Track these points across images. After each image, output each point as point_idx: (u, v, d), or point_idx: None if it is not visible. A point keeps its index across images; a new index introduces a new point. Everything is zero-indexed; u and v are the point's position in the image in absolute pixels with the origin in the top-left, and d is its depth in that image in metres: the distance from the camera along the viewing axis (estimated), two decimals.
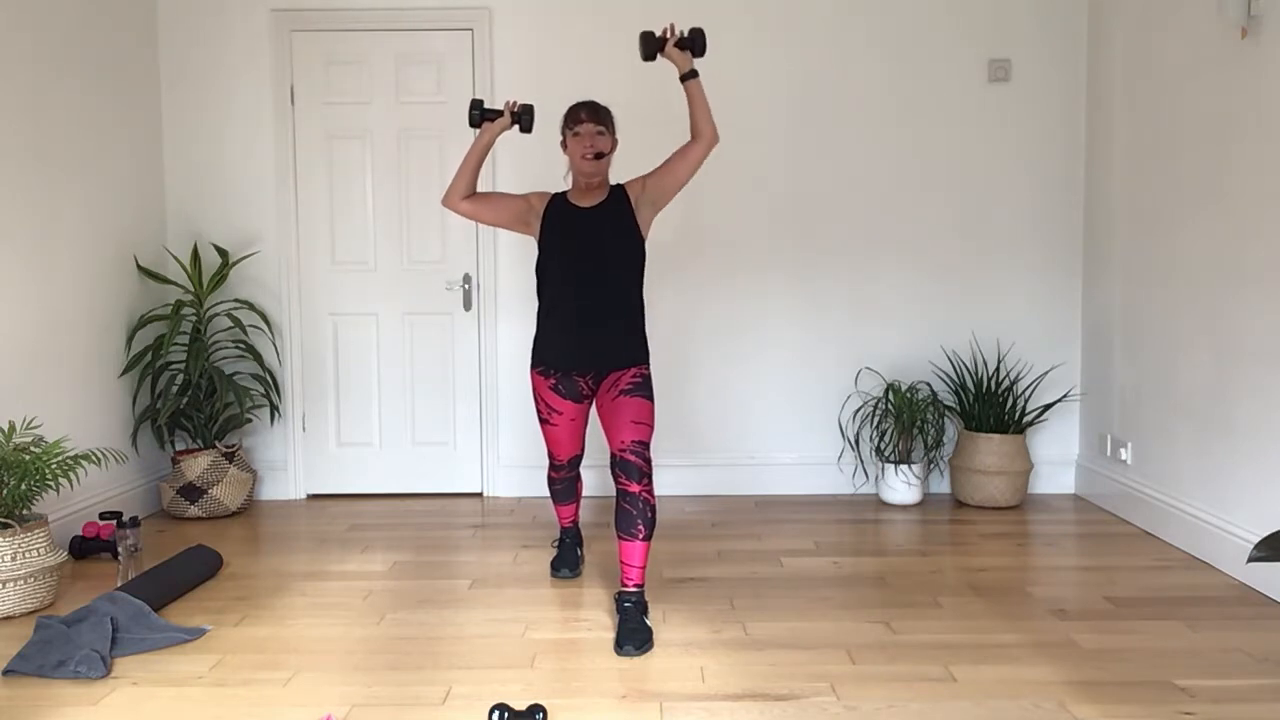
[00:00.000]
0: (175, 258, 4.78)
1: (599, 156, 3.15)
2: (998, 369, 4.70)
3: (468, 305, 4.86)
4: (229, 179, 4.81)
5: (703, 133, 3.15)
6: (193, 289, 4.65)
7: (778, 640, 2.98)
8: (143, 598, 3.14)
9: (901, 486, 4.63)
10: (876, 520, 4.41)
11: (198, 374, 4.52)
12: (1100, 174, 4.61)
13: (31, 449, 3.32)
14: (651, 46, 3.13)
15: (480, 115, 3.21)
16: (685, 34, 3.14)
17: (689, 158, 3.18)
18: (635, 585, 3.03)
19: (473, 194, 3.23)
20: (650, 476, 3.07)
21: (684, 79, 3.13)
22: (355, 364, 4.90)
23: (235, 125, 4.79)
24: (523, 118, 3.20)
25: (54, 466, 3.29)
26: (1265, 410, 3.38)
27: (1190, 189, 3.83)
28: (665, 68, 4.70)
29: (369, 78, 4.78)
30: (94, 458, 3.45)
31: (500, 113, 3.22)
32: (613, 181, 3.32)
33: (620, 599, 3.02)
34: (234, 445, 4.61)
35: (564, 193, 3.29)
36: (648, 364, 3.24)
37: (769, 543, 4.05)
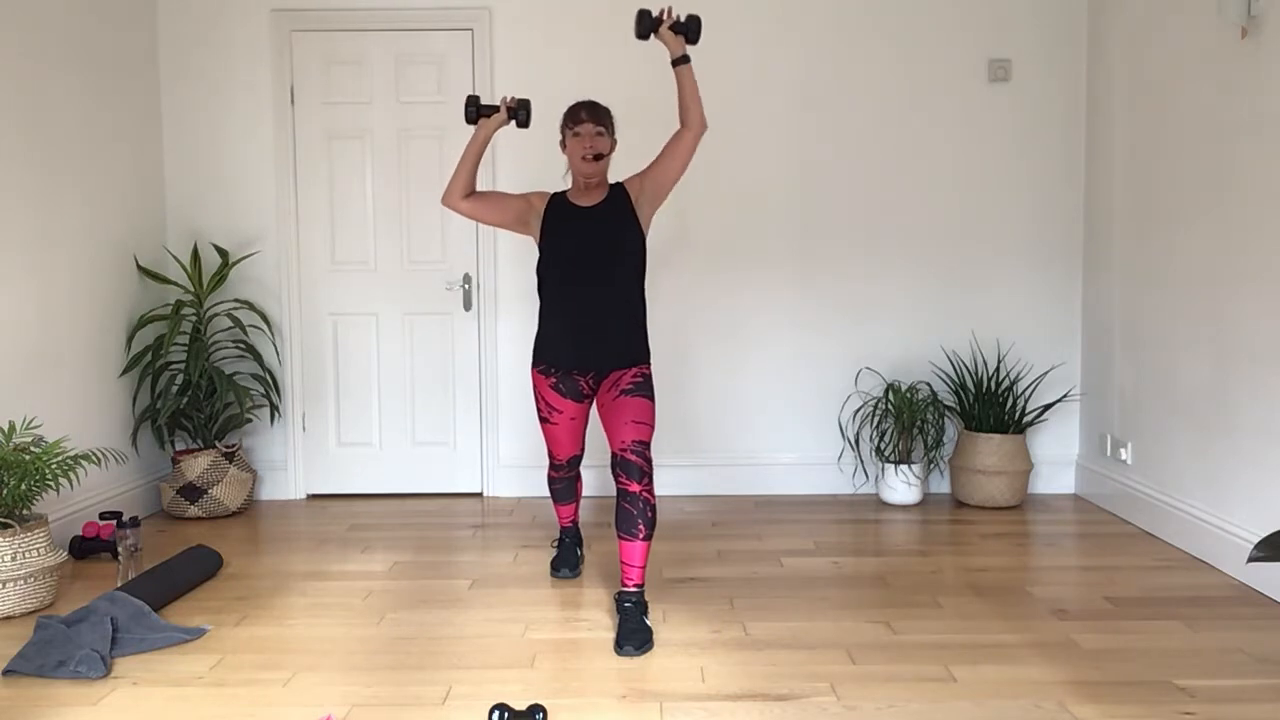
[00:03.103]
0: (175, 258, 4.78)
1: (598, 158, 3.14)
2: (998, 369, 4.70)
3: (468, 305, 4.86)
4: (229, 179, 4.81)
5: (691, 120, 3.13)
6: (193, 289, 4.65)
7: (778, 640, 2.98)
8: (143, 598, 3.14)
9: (901, 486, 4.63)
10: (876, 520, 4.41)
11: (198, 374, 4.52)
12: (1100, 174, 4.61)
13: (31, 449, 3.32)
14: (646, 25, 3.11)
15: (476, 112, 3.19)
16: (682, 19, 3.14)
17: (679, 148, 3.16)
18: (635, 585, 3.03)
19: (472, 193, 3.22)
20: (651, 476, 3.07)
21: (675, 63, 3.12)
22: (355, 364, 4.90)
23: (235, 125, 4.79)
24: (519, 113, 3.19)
25: (54, 466, 3.29)
26: (1265, 410, 3.38)
27: (1190, 189, 3.83)
28: (664, 66, 4.71)
29: (369, 78, 4.78)
30: (94, 458, 3.45)
31: (496, 108, 3.20)
32: (611, 180, 3.31)
33: (620, 599, 3.02)
34: (234, 445, 4.61)
35: (564, 192, 3.28)
36: (649, 363, 3.24)
37: (769, 543, 4.05)
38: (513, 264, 4.82)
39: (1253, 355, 3.45)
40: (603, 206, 3.22)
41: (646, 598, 3.28)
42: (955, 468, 4.65)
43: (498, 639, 3.02)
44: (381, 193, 4.83)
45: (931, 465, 4.83)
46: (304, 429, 4.91)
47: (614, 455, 3.11)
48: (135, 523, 3.52)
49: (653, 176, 3.22)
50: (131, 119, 4.54)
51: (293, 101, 4.78)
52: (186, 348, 4.61)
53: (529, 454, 4.90)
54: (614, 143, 3.22)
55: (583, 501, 4.63)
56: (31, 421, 3.67)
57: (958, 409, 4.68)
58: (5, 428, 3.41)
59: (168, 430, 4.63)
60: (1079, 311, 4.84)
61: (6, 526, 3.22)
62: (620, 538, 3.05)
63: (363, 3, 4.71)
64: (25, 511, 3.32)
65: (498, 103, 3.21)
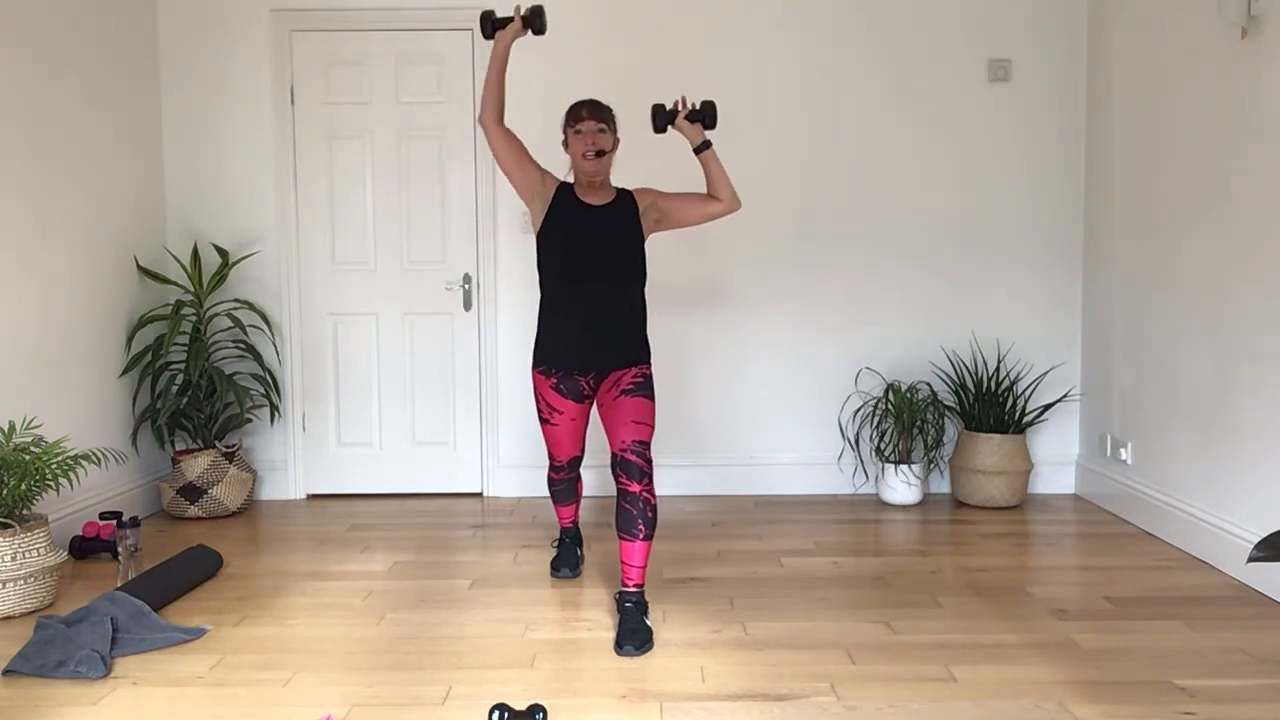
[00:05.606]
0: (175, 258, 4.78)
1: (600, 154, 3.14)
2: (998, 369, 4.70)
3: (468, 305, 4.86)
4: (229, 179, 4.81)
5: (724, 198, 3.19)
6: (193, 289, 4.65)
7: (778, 640, 2.98)
8: (143, 598, 3.14)
9: (901, 486, 4.63)
10: (876, 520, 4.41)
11: (198, 374, 4.52)
12: (1100, 174, 4.61)
13: (31, 449, 3.32)
14: (662, 119, 3.18)
15: (492, 26, 3.19)
16: (696, 106, 3.19)
17: (706, 210, 3.22)
18: (635, 585, 3.03)
19: (503, 124, 3.16)
20: (651, 476, 3.07)
21: (697, 151, 3.16)
22: (355, 364, 4.90)
23: (235, 125, 4.79)
24: (533, 20, 3.17)
25: (54, 466, 3.29)
26: (1265, 410, 3.38)
27: (1190, 189, 3.83)
28: (665, 66, 4.71)
29: (369, 78, 4.78)
30: (94, 458, 3.45)
31: (511, 19, 3.19)
32: (619, 185, 3.31)
33: (620, 599, 3.02)
34: (234, 445, 4.61)
35: (572, 185, 3.28)
36: (649, 363, 3.24)
37: (769, 543, 4.05)
38: (513, 264, 4.82)
39: (1253, 355, 3.45)
40: (609, 207, 3.21)
41: (647, 598, 3.29)
42: (955, 468, 4.65)
43: (498, 639, 3.02)
44: (381, 193, 4.83)
45: (931, 465, 4.83)
46: (304, 429, 4.91)
47: (614, 455, 3.11)
48: (135, 523, 3.52)
49: (665, 208, 3.25)
50: (131, 119, 4.54)
51: (293, 101, 4.78)
52: (186, 348, 4.61)
53: (529, 454, 4.90)
54: (617, 140, 3.22)
55: (583, 501, 4.62)
56: (31, 421, 3.67)
57: (958, 409, 4.68)
58: (5, 428, 3.41)
59: (168, 430, 4.63)
60: (1079, 311, 4.84)
61: (6, 526, 3.22)
62: (620, 538, 3.06)
63: (363, 3, 4.71)
64: (25, 511, 3.32)
65: (511, 14, 3.22)
